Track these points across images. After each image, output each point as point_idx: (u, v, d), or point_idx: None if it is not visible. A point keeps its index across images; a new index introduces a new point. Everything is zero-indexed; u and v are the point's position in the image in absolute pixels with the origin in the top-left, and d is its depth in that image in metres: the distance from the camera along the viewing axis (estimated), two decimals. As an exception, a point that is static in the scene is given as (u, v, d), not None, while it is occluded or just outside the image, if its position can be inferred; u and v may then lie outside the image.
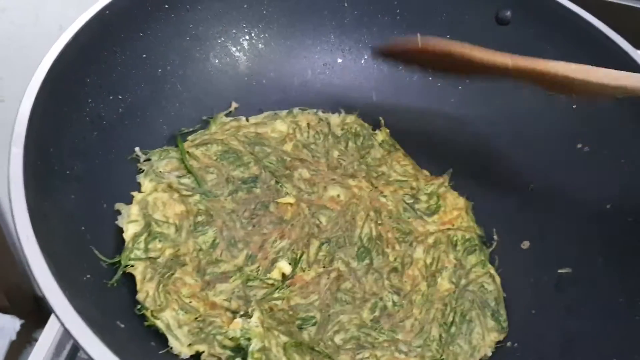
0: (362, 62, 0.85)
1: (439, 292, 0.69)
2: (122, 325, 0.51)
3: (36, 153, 0.53)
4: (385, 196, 0.76)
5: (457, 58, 0.63)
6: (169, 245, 0.63)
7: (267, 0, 0.81)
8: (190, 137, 0.74)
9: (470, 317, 0.67)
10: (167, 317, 0.57)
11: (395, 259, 0.70)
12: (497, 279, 0.72)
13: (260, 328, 0.55)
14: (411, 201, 0.76)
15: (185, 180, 0.69)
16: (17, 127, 0.52)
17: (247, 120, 0.79)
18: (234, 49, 0.80)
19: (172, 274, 0.61)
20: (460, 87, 0.83)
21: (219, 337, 0.57)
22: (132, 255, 0.60)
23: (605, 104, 0.72)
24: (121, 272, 0.58)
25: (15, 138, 0.51)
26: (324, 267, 0.67)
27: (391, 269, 0.69)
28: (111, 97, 0.67)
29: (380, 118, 0.84)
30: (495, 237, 0.75)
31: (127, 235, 0.62)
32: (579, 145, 0.74)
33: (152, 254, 0.61)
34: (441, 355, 0.64)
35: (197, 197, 0.68)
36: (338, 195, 0.74)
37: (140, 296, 0.58)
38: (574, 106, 0.75)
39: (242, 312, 0.59)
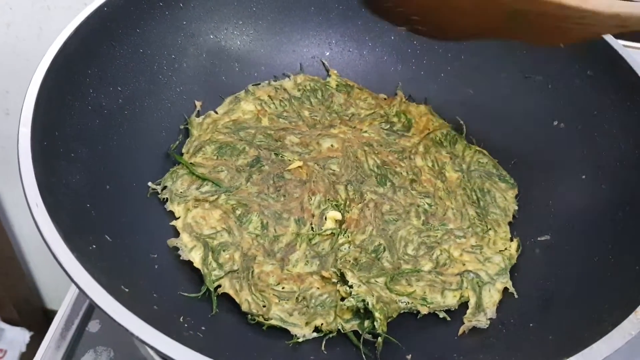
0: (348, 54, 0.89)
1: (453, 183, 0.78)
2: (127, 290, 0.55)
3: (43, 135, 0.57)
4: (365, 131, 0.82)
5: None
6: (233, 250, 0.67)
7: (256, -3, 0.85)
8: (184, 150, 0.76)
9: (487, 188, 0.77)
10: (276, 313, 0.62)
11: (407, 173, 0.77)
12: (485, 151, 0.82)
13: (362, 285, 0.62)
14: (387, 126, 0.84)
15: (205, 188, 0.72)
16: (24, 111, 0.57)
17: (216, 112, 0.81)
18: (225, 44, 0.84)
19: (253, 271, 0.65)
20: (442, 75, 0.87)
21: (325, 307, 0.63)
22: (214, 278, 0.64)
23: (576, 83, 0.76)
24: (216, 298, 0.63)
25: (24, 120, 0.56)
26: (359, 202, 0.73)
27: (410, 181, 0.76)
28: (111, 88, 0.70)
29: (324, 61, 0.89)
30: (461, 121, 0.84)
31: (197, 264, 0.65)
32: (555, 123, 0.78)
33: (227, 268, 0.65)
34: (486, 226, 0.74)
35: (223, 196, 0.71)
36: (332, 145, 0.79)
37: (244, 307, 0.62)
38: (549, 86, 0.79)
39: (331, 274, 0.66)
